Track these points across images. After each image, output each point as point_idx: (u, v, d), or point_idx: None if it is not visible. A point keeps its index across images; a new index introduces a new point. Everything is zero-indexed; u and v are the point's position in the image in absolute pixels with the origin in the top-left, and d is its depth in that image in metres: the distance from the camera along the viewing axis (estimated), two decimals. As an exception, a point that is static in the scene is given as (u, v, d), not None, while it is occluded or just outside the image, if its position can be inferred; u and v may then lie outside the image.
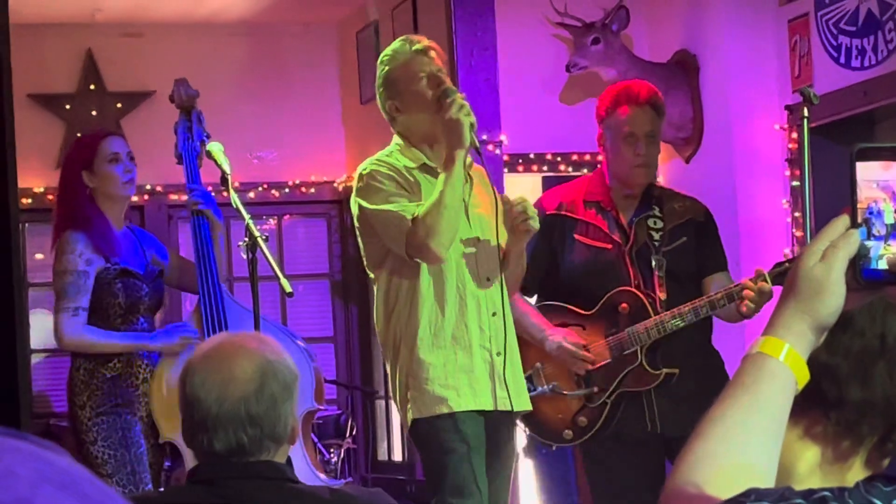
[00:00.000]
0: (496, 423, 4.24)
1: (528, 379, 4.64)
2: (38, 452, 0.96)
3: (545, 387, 4.65)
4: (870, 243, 1.64)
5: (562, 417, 4.73)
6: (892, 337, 2.09)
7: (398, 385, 4.23)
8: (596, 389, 4.66)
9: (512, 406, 4.23)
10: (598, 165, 4.99)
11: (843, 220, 1.61)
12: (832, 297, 1.57)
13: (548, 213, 4.74)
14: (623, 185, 4.75)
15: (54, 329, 4.89)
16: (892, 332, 2.09)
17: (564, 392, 4.65)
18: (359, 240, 4.33)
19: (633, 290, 4.65)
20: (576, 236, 4.73)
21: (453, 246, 4.16)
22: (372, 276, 4.33)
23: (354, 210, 4.25)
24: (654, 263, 4.67)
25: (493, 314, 4.22)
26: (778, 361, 1.52)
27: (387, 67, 4.25)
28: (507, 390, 4.21)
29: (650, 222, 4.74)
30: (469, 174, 4.27)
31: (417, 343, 4.16)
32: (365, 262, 4.36)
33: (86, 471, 0.99)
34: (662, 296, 4.64)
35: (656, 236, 4.72)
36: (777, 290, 4.52)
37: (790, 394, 1.50)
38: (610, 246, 4.70)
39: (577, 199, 4.79)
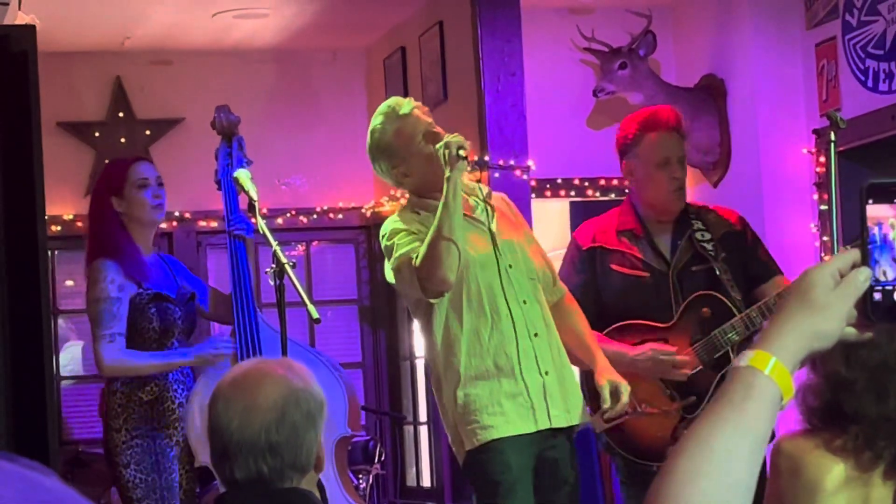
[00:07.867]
0: (551, 442, 4.21)
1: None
2: (23, 473, 0.97)
3: (638, 409, 4.52)
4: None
5: (661, 435, 4.56)
6: None
7: (449, 425, 4.26)
8: (694, 399, 4.54)
9: (568, 421, 4.22)
10: (627, 193, 4.90)
11: (855, 254, 1.58)
12: (834, 321, 1.51)
13: (584, 248, 4.70)
14: (659, 213, 4.67)
15: (95, 358, 4.90)
16: None
17: (656, 409, 4.52)
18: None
19: (713, 292, 4.55)
20: (612, 266, 4.65)
21: (482, 274, 4.20)
22: (417, 322, 4.39)
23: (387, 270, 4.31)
24: (717, 271, 4.57)
25: (535, 335, 4.21)
26: (768, 378, 1.46)
27: (379, 137, 4.35)
28: (560, 407, 4.19)
29: (698, 235, 4.65)
30: (490, 204, 4.33)
31: (460, 380, 4.18)
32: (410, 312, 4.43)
33: (72, 491, 1.00)
34: (738, 296, 4.56)
35: (709, 247, 4.63)
36: None
37: (776, 411, 1.45)
38: (647, 274, 4.61)
39: (609, 230, 4.70)
